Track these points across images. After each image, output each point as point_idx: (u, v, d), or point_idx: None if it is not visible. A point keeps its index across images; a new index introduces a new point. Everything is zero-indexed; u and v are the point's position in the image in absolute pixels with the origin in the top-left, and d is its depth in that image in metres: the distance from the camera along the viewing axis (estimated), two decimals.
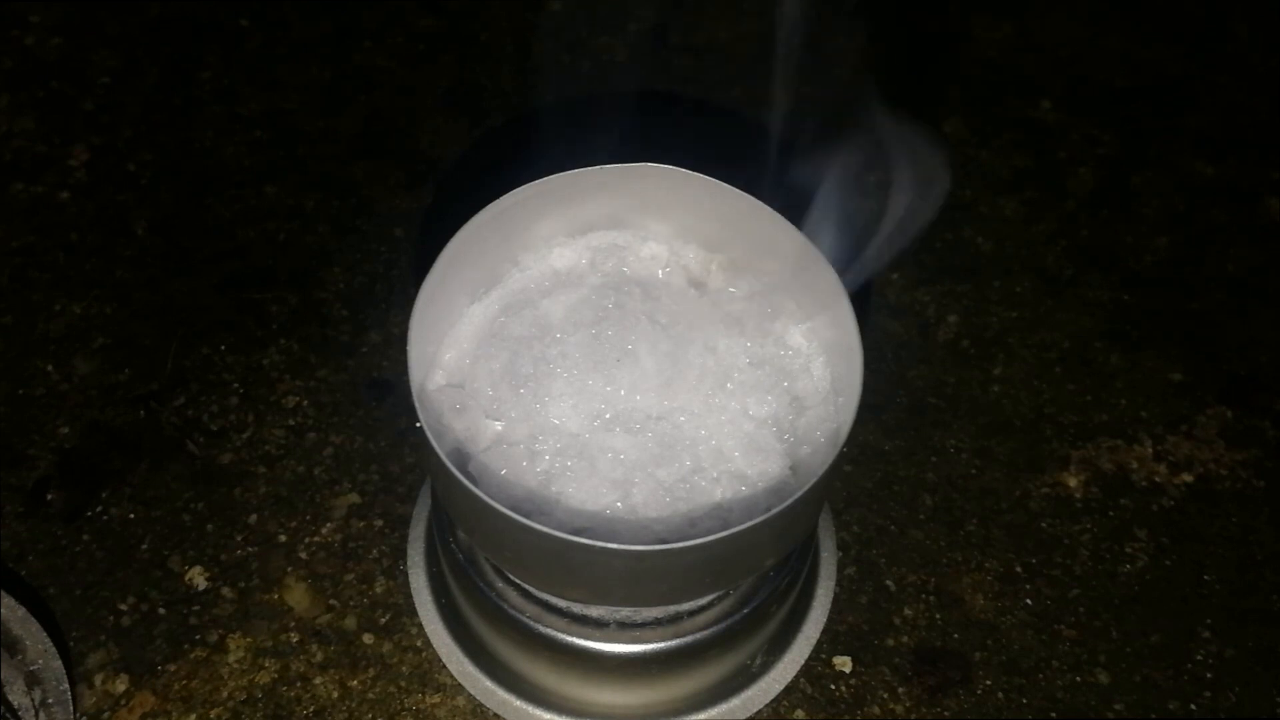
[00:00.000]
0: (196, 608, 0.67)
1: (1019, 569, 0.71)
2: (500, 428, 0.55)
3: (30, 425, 0.73)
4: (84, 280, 0.80)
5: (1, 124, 0.87)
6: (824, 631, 0.67)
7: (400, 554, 0.69)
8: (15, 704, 0.60)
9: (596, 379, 0.56)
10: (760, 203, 0.57)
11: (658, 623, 0.59)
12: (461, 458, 0.54)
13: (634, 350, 0.56)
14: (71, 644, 0.65)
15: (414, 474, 0.72)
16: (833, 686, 0.66)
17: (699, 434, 0.55)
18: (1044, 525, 0.72)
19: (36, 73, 0.90)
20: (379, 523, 0.71)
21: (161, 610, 0.67)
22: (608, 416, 0.55)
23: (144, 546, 0.69)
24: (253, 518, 0.71)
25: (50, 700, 0.61)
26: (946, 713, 0.65)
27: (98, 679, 0.65)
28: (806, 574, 0.66)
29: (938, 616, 0.69)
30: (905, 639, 0.68)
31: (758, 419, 0.56)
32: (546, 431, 0.55)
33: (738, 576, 0.57)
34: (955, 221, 0.86)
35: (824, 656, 0.67)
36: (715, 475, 0.54)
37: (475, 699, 0.64)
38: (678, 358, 0.56)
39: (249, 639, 0.66)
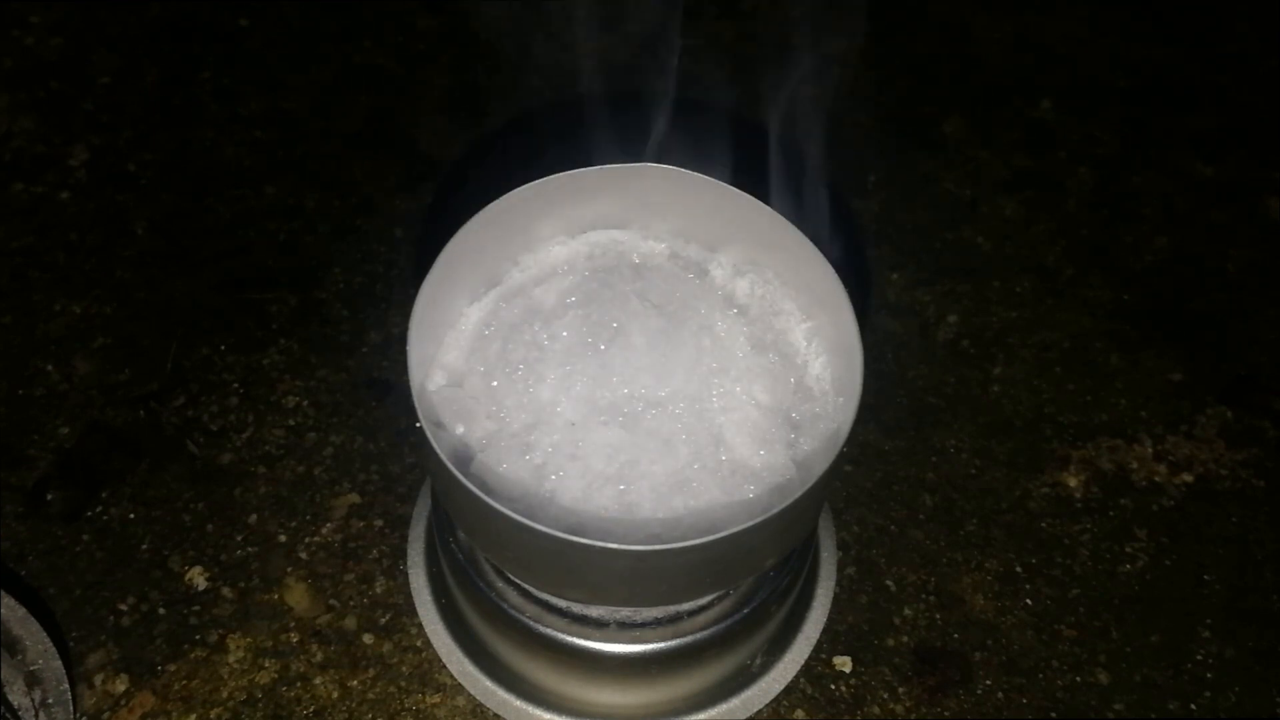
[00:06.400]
0: (196, 608, 0.67)
1: (1019, 569, 0.71)
2: (496, 423, 0.55)
3: (30, 425, 0.73)
4: (84, 280, 0.80)
5: (1, 124, 0.87)
6: (824, 631, 0.67)
7: (400, 554, 0.69)
8: (15, 704, 0.60)
9: (587, 361, 0.55)
10: (760, 203, 0.57)
11: (658, 623, 0.59)
12: (461, 457, 0.54)
13: (622, 328, 0.56)
14: (71, 644, 0.65)
15: (414, 474, 0.72)
16: (833, 686, 0.66)
17: (699, 419, 0.55)
18: (1044, 525, 0.72)
19: (36, 73, 0.90)
20: (379, 523, 0.71)
21: (161, 610, 0.67)
22: (603, 402, 0.55)
23: (144, 546, 0.69)
24: (253, 518, 0.71)
25: (50, 700, 0.61)
26: (946, 713, 0.65)
27: (98, 679, 0.65)
28: (806, 574, 0.66)
29: (938, 616, 0.69)
30: (905, 639, 0.68)
31: (764, 406, 0.56)
32: (542, 421, 0.55)
33: (738, 576, 0.57)
34: (955, 221, 0.86)
35: (824, 656, 0.67)
36: (715, 465, 0.54)
37: (475, 699, 0.64)
38: (670, 335, 0.56)
39: (249, 639, 0.66)
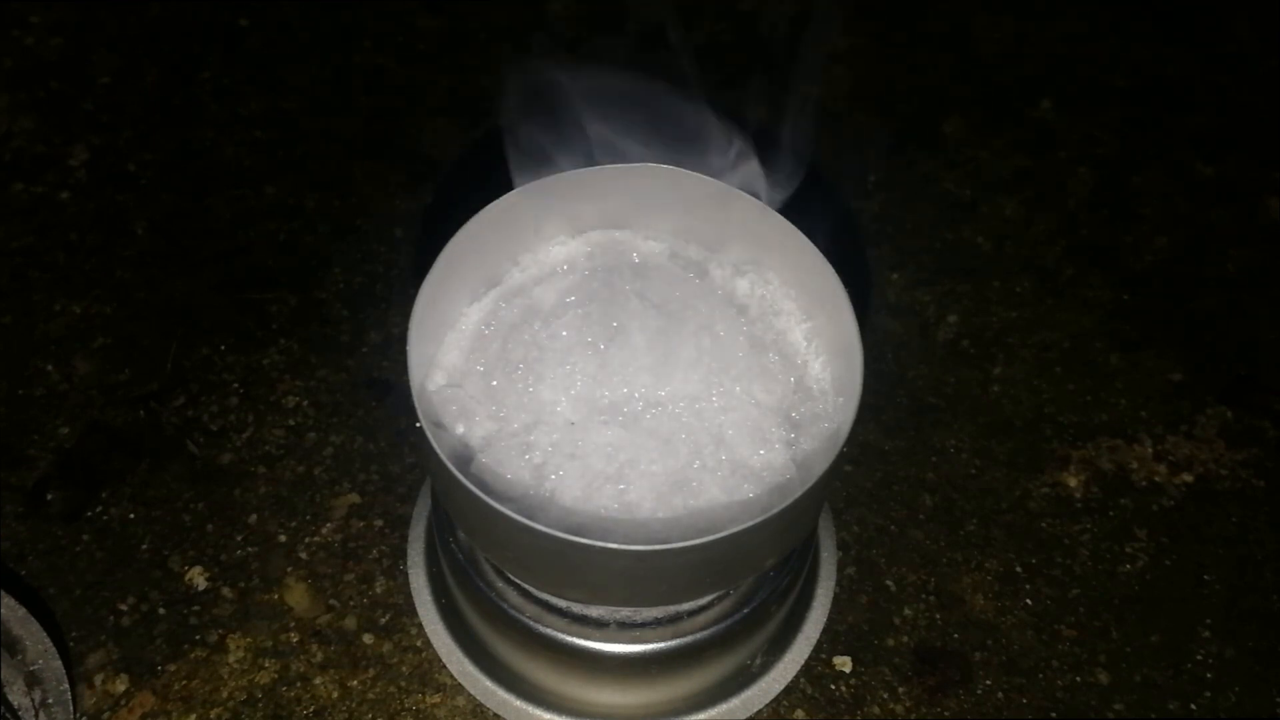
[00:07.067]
0: (196, 608, 0.67)
1: (1019, 569, 0.71)
2: (496, 423, 0.55)
3: (30, 425, 0.73)
4: (84, 280, 0.80)
5: (1, 124, 0.87)
6: (824, 631, 0.67)
7: (400, 554, 0.69)
8: (15, 704, 0.60)
9: (587, 361, 0.55)
10: (760, 203, 0.57)
11: (658, 623, 0.59)
12: (461, 457, 0.54)
13: (622, 327, 0.56)
14: (71, 644, 0.66)
15: (414, 474, 0.72)
16: (833, 686, 0.66)
17: (699, 419, 0.55)
18: (1044, 525, 0.72)
19: (36, 73, 0.90)
20: (379, 523, 0.71)
21: (161, 610, 0.67)
22: (603, 402, 0.55)
23: (144, 546, 0.69)
24: (253, 518, 0.71)
25: (50, 700, 0.61)
26: (946, 713, 0.66)
27: (98, 679, 0.65)
28: (806, 574, 0.66)
29: (938, 616, 0.69)
30: (905, 639, 0.68)
31: (764, 406, 0.56)
32: (541, 421, 0.55)
33: (738, 576, 0.57)
34: (955, 221, 0.86)
35: (824, 656, 0.67)
36: (715, 465, 0.54)
37: (475, 699, 0.64)
38: (670, 334, 0.56)
39: (249, 639, 0.66)
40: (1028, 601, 0.70)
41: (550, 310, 0.58)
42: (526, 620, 0.59)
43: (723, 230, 0.60)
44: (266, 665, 0.66)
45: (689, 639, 0.59)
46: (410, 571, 0.68)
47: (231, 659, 0.66)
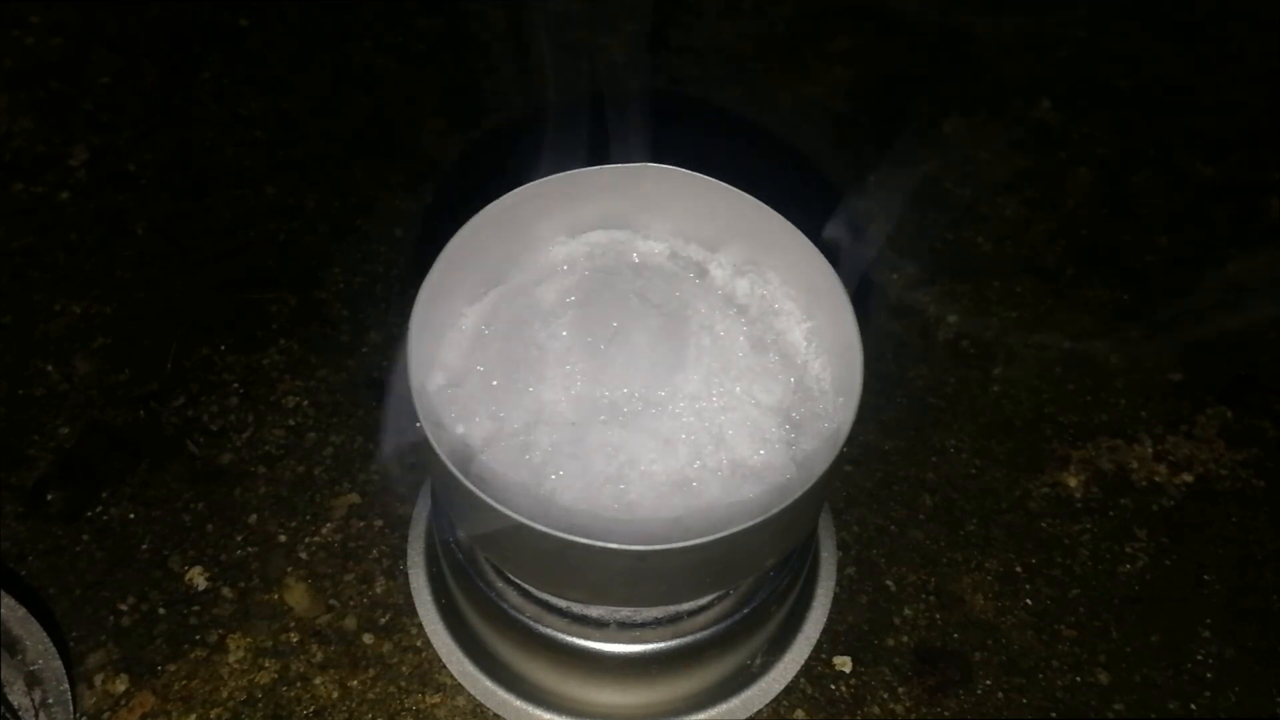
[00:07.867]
0: (196, 608, 0.67)
1: (1019, 569, 0.71)
2: (496, 422, 0.55)
3: (30, 425, 0.73)
4: (84, 280, 0.80)
5: (1, 124, 0.87)
6: (824, 631, 0.67)
7: (400, 554, 0.69)
8: (15, 704, 0.60)
9: (588, 360, 0.56)
10: (760, 203, 0.57)
11: (658, 623, 0.59)
12: (461, 457, 0.54)
13: (622, 327, 0.56)
14: (71, 644, 0.65)
15: (414, 474, 0.72)
16: (833, 686, 0.66)
17: (699, 419, 0.55)
18: (1044, 525, 0.72)
19: (36, 73, 0.90)
20: (379, 523, 0.71)
21: (161, 610, 0.67)
22: (603, 401, 0.55)
23: (144, 546, 0.69)
24: (253, 518, 0.71)
25: (50, 700, 0.61)
26: (946, 713, 0.65)
27: (98, 679, 0.65)
28: (806, 574, 0.66)
29: (938, 616, 0.69)
30: (905, 639, 0.68)
31: (764, 406, 0.56)
32: (541, 421, 0.55)
33: (738, 576, 0.57)
34: (955, 221, 0.86)
35: (824, 656, 0.67)
36: (715, 465, 0.54)
37: (475, 699, 0.64)
38: (670, 334, 0.56)
39: (249, 639, 0.66)
40: (1028, 601, 0.70)
41: (550, 310, 0.58)
42: (526, 620, 0.59)
43: (723, 230, 0.60)
44: (266, 665, 0.66)
45: (689, 639, 0.59)
46: (410, 571, 0.68)
47: (231, 659, 0.66)
